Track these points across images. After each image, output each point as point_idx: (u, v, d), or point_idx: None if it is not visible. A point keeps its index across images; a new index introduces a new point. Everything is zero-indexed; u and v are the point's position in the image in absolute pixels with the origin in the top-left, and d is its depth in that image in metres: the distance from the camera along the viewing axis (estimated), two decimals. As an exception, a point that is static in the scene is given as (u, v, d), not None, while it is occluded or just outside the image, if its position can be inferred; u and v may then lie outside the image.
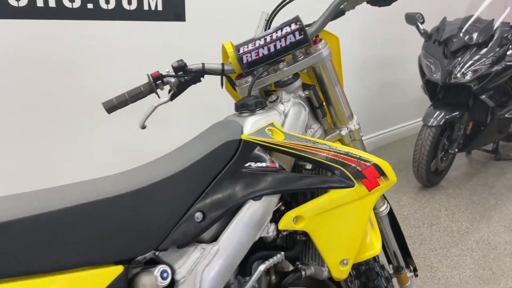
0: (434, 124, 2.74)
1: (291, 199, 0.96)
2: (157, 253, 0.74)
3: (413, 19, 2.91)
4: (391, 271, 1.33)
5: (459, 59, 2.72)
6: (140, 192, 0.70)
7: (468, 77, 2.68)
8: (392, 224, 1.29)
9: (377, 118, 3.87)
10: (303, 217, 0.87)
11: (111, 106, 0.97)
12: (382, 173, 0.94)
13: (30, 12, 1.66)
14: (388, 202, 1.25)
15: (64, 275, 0.60)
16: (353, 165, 0.90)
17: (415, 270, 1.35)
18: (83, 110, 1.92)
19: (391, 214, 1.27)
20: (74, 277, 0.60)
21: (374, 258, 1.17)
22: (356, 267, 1.18)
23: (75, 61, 1.85)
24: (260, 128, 0.89)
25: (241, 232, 0.81)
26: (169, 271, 0.73)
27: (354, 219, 0.92)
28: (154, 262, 0.75)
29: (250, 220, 0.82)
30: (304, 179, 0.87)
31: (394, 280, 1.33)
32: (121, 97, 0.97)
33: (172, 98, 1.04)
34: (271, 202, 0.85)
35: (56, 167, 1.89)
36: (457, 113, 2.82)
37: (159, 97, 1.01)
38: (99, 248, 0.64)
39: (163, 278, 0.72)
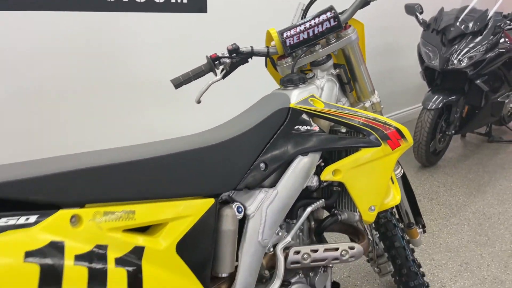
0: (433, 107, 2.96)
1: (328, 157, 1.16)
2: (232, 194, 0.94)
3: (412, 9, 3.11)
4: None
5: (456, 46, 2.93)
6: (223, 145, 0.89)
7: (464, 64, 2.89)
8: (405, 187, 1.49)
9: (395, 98, 4.11)
10: (340, 170, 1.07)
11: (178, 83, 1.16)
12: (402, 135, 1.14)
13: (77, 4, 1.84)
14: (402, 168, 1.45)
15: (175, 201, 0.79)
16: (380, 128, 1.11)
17: (423, 227, 1.56)
18: (124, 94, 2.11)
19: (404, 178, 1.48)
20: (182, 204, 0.80)
21: (391, 212, 1.38)
22: (376, 220, 1.38)
23: (117, 49, 2.03)
24: (304, 99, 1.09)
25: (293, 180, 1.01)
26: (243, 207, 0.93)
27: (380, 172, 1.13)
28: (228, 202, 0.95)
29: (300, 171, 1.02)
30: (341, 139, 1.07)
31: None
32: (186, 75, 1.17)
33: (224, 76, 1.23)
34: (315, 157, 1.05)
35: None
36: (454, 97, 3.04)
37: (215, 75, 1.20)
38: (198, 184, 0.83)
39: (239, 212, 0.92)
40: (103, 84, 2.06)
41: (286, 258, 1.01)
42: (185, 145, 0.85)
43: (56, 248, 0.60)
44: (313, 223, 1.17)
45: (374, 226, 1.42)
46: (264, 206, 0.96)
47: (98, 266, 0.64)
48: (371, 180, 1.12)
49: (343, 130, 1.14)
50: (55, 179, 0.65)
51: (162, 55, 2.24)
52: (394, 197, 1.24)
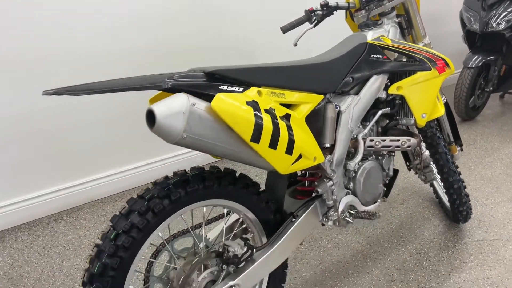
0: (473, 66, 3.33)
1: (393, 78, 1.63)
2: (331, 98, 1.43)
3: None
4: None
5: (495, 11, 3.28)
6: (328, 63, 1.38)
7: (502, 26, 3.24)
8: (447, 112, 1.95)
9: None
10: (402, 87, 1.54)
11: (286, 29, 1.66)
12: (447, 64, 1.60)
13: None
14: (445, 97, 1.90)
15: (304, 93, 1.29)
16: (431, 58, 1.57)
17: (461, 145, 2.01)
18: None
19: (446, 105, 1.93)
20: (308, 95, 1.30)
21: (436, 128, 1.84)
22: (424, 134, 1.85)
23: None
24: (376, 37, 1.56)
25: (370, 91, 1.49)
26: (338, 106, 1.42)
27: (430, 90, 1.59)
28: (330, 102, 1.43)
29: (374, 85, 1.50)
30: (403, 65, 1.54)
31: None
32: (291, 23, 1.66)
33: (315, 25, 1.72)
34: (385, 77, 1.53)
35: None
36: (492, 57, 3.39)
37: (310, 23, 1.69)
38: (315, 85, 1.33)
39: (336, 108, 1.41)
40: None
41: (364, 143, 1.50)
42: (307, 61, 1.35)
43: (255, 104, 1.11)
44: (380, 129, 1.65)
45: (423, 140, 1.89)
46: (352, 106, 1.45)
47: (274, 118, 1.14)
48: (423, 95, 1.58)
49: (405, 59, 1.60)
50: (251, 70, 1.15)
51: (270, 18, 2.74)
52: (439, 110, 1.70)
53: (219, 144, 1.04)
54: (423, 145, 1.93)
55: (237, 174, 1.20)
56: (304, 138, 1.25)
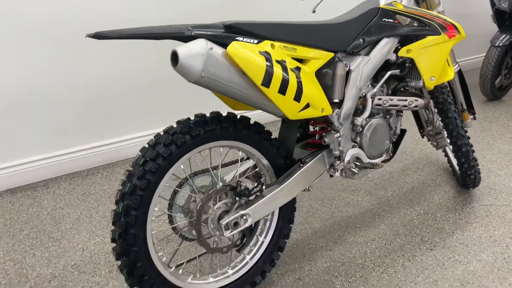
0: (500, 44, 3.33)
1: (404, 41, 1.72)
2: (342, 57, 1.55)
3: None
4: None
5: (526, -11, 3.25)
6: (341, 25, 1.50)
7: (533, 4, 3.21)
8: (461, 81, 2.02)
9: (460, 45, 4.45)
10: (411, 50, 1.64)
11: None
12: (457, 30, 1.68)
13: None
14: (458, 64, 1.98)
15: (315, 49, 1.42)
16: (441, 23, 1.66)
17: (474, 114, 2.08)
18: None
19: (460, 73, 2.01)
20: (318, 51, 1.42)
21: (448, 94, 1.93)
22: (435, 99, 1.94)
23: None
24: (389, 2, 1.66)
25: (380, 52, 1.60)
26: (348, 65, 1.54)
27: (439, 54, 1.68)
28: (340, 61, 1.56)
29: (384, 47, 1.61)
30: (414, 29, 1.64)
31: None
32: None
33: None
34: (395, 40, 1.63)
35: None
36: (521, 36, 3.38)
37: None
38: (327, 43, 1.45)
39: (346, 67, 1.54)
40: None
41: (372, 101, 1.62)
42: (320, 22, 1.47)
43: (268, 54, 1.25)
44: (390, 91, 1.76)
45: (434, 104, 1.98)
46: (361, 65, 1.56)
47: (284, 68, 1.28)
48: (432, 58, 1.68)
49: (415, 24, 1.69)
50: (266, 26, 1.30)
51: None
52: (448, 74, 1.79)
53: (233, 86, 1.20)
54: (435, 110, 2.02)
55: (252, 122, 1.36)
56: (313, 90, 1.38)
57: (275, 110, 1.31)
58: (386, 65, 1.69)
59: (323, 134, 1.55)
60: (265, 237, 1.54)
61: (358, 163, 1.64)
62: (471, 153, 1.98)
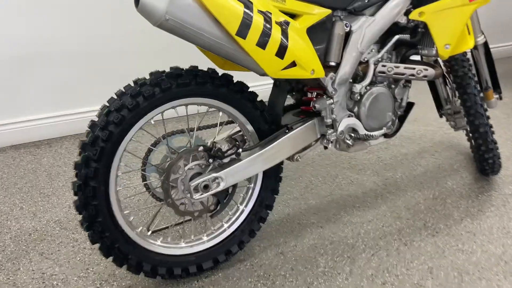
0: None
1: (418, 4, 1.54)
2: (343, 16, 1.40)
3: None
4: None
5: None
6: None
7: None
8: (486, 55, 1.81)
9: (502, 29, 4.13)
10: (424, 12, 1.47)
11: None
12: (480, -7, 1.49)
13: None
14: (484, 36, 1.77)
15: (309, 4, 1.28)
16: (461, -16, 1.47)
17: (500, 93, 1.87)
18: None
19: (486, 46, 1.80)
20: (312, 6, 1.29)
21: (469, 68, 1.73)
22: (455, 73, 1.75)
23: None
24: None
25: (387, 13, 1.43)
26: (349, 25, 1.39)
27: (457, 18, 1.50)
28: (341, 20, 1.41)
29: (392, 8, 1.44)
30: (429, -11, 1.46)
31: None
32: None
33: None
34: (406, 1, 1.46)
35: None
36: None
37: None
38: (324, -2, 1.32)
39: (346, 27, 1.39)
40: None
41: (375, 68, 1.47)
42: None
43: (248, 2, 1.13)
44: (398, 59, 1.59)
45: (453, 79, 1.79)
46: (364, 26, 1.41)
47: (267, 20, 1.16)
48: (449, 23, 1.50)
49: (432, -16, 1.51)
50: None
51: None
52: (467, 43, 1.59)
53: (203, 33, 1.09)
54: (454, 86, 1.83)
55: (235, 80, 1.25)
56: (302, 47, 1.26)
57: (254, 66, 1.19)
58: (396, 29, 1.53)
59: (314, 99, 1.42)
60: (245, 206, 1.45)
61: (353, 135, 1.50)
62: (490, 135, 1.78)
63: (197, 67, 1.26)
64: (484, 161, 1.85)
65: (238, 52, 1.15)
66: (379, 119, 1.52)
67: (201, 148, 1.28)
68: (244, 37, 1.11)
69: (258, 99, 1.36)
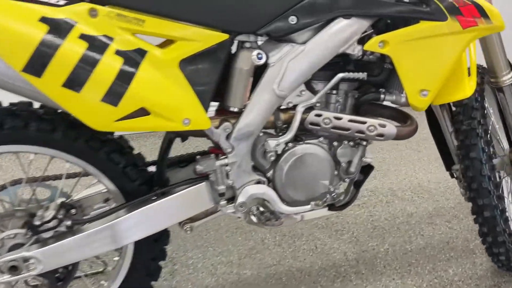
0: None
1: (386, 29, 1.05)
2: (257, 41, 0.98)
3: None
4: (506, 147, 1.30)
5: None
6: None
7: None
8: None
9: None
10: (388, 42, 0.98)
11: None
12: (483, 14, 0.96)
13: None
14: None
15: (186, 25, 0.89)
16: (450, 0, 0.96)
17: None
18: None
19: None
20: (192, 29, 0.89)
21: (479, 121, 1.18)
22: (458, 125, 1.21)
23: None
24: None
25: (326, 41, 0.97)
26: (264, 56, 0.97)
27: (441, 52, 0.99)
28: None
29: (336, 34, 0.97)
30: (396, 6, 0.97)
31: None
32: None
33: None
34: (361, 25, 0.98)
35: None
36: None
37: None
38: (212, 15, 0.91)
39: (258, 58, 0.96)
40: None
41: (305, 118, 1.02)
42: None
43: (66, 24, 0.79)
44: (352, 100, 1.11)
45: (455, 134, 1.25)
46: (287, 59, 0.97)
47: (97, 48, 0.81)
48: (427, 59, 0.99)
49: (406, -1, 1.01)
50: None
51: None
52: (464, 89, 1.06)
53: None
54: (455, 143, 1.28)
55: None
56: (165, 88, 0.88)
57: (69, 111, 0.84)
58: (345, 62, 1.06)
59: (198, 157, 1.03)
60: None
61: (262, 209, 1.06)
62: (502, 223, 1.21)
63: (28, 103, 0.94)
64: (493, 255, 1.29)
65: (41, 94, 0.81)
66: (304, 190, 1.07)
67: (21, 212, 0.97)
68: (38, 75, 0.77)
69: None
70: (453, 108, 1.27)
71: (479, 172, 1.17)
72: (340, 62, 1.04)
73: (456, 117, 1.24)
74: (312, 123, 1.02)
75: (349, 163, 1.10)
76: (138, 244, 1.06)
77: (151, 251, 1.09)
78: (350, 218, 1.70)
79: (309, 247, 1.53)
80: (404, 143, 2.35)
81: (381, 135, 1.02)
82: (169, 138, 1.04)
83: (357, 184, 1.16)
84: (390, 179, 2.02)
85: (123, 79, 0.83)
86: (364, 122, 1.02)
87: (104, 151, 0.97)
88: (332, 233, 1.61)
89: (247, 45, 0.97)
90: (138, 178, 1.01)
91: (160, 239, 1.08)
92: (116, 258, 1.11)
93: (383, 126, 1.02)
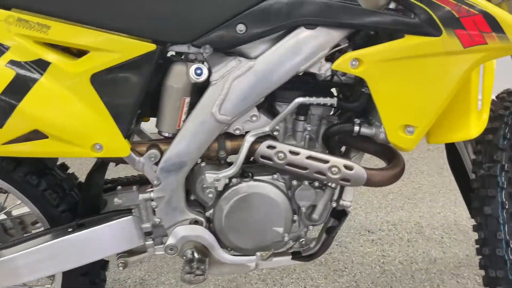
0: None
1: (367, 45, 0.81)
2: (184, 52, 0.80)
3: None
4: None
5: None
6: None
7: None
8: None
9: None
10: (362, 61, 0.75)
11: None
12: (495, 27, 0.69)
13: None
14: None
15: (100, 31, 0.74)
16: (447, 8, 0.70)
17: None
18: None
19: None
20: (108, 37, 0.74)
21: (502, 166, 0.90)
22: (475, 171, 0.93)
23: None
24: None
25: (281, 56, 0.77)
26: (205, 70, 0.79)
27: (433, 78, 0.74)
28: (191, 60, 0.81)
29: (294, 47, 0.76)
30: (374, 15, 0.73)
31: None
32: None
33: None
34: (329, 37, 0.76)
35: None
36: None
37: None
38: (134, 22, 0.75)
39: (197, 75, 0.79)
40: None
41: (255, 149, 0.82)
42: None
43: None
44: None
45: (473, 182, 0.96)
46: (232, 76, 0.78)
47: None
48: (413, 86, 0.74)
49: (392, 5, 0.76)
50: None
51: None
52: (468, 127, 0.79)
53: None
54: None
55: None
56: (69, 107, 0.75)
57: None
58: (312, 84, 0.84)
59: (118, 188, 0.87)
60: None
61: (197, 255, 0.88)
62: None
63: None
64: None
65: None
66: (250, 237, 0.87)
67: None
68: None
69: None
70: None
71: (494, 235, 0.89)
72: (309, 82, 0.83)
73: (476, 157, 0.96)
74: (263, 156, 0.82)
75: (313, 207, 0.88)
76: (66, 276, 0.95)
77: (80, 284, 0.97)
78: (357, 257, 1.45)
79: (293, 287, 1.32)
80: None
81: (346, 179, 0.79)
82: (101, 160, 0.90)
83: (329, 231, 0.94)
84: (421, 211, 1.71)
85: (12, 96, 0.71)
86: (326, 161, 0.80)
87: (20, 171, 0.86)
88: (329, 272, 1.38)
89: (179, 58, 0.79)
90: (60, 203, 0.89)
91: (91, 272, 0.96)
92: (48, 286, 1.01)
93: (350, 168, 0.79)
